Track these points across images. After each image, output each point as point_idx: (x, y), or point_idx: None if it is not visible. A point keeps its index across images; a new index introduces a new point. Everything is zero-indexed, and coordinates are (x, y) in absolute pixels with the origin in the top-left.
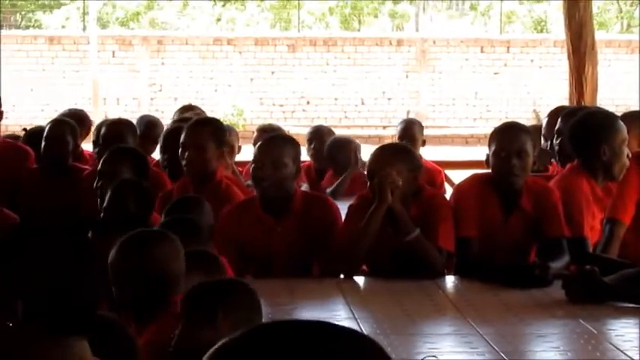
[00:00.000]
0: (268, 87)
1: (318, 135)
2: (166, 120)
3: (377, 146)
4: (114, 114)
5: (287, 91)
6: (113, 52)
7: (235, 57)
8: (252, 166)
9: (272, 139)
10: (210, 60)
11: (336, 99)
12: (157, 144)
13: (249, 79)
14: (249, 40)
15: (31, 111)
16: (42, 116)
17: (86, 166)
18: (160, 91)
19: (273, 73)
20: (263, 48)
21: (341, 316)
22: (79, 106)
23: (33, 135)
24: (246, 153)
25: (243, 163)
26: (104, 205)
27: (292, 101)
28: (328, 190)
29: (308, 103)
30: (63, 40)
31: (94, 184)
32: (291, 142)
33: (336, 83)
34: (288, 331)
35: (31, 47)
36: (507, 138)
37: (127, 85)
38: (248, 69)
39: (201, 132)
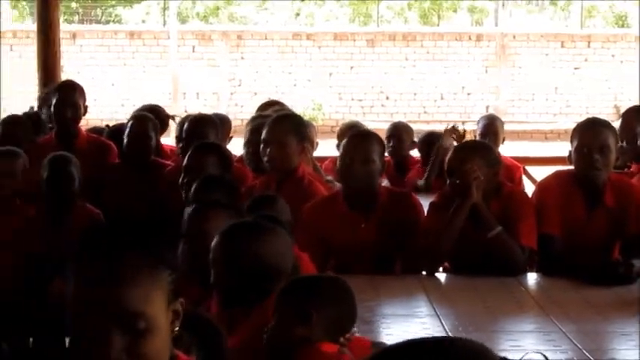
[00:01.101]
0: (347, 82)
1: (397, 131)
2: (245, 115)
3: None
4: (193, 109)
5: (366, 86)
6: (193, 47)
7: (314, 52)
8: (341, 161)
9: (359, 136)
10: (289, 55)
11: (414, 94)
12: (226, 140)
13: (327, 73)
14: (328, 35)
15: (111, 106)
16: (122, 111)
17: (168, 162)
18: (239, 85)
19: (352, 67)
20: (342, 43)
21: (423, 312)
22: (158, 101)
23: (115, 130)
24: (325, 148)
25: (322, 159)
26: (191, 198)
27: (371, 96)
28: (420, 182)
29: (387, 98)
30: (143, 35)
31: (180, 180)
32: (377, 139)
33: (415, 78)
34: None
35: (112, 42)
36: (590, 134)
37: (207, 80)
38: (327, 64)
39: (282, 128)
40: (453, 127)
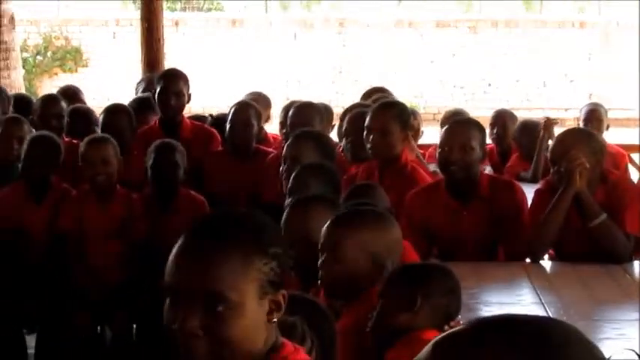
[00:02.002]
0: (449, 69)
1: (501, 119)
2: (347, 102)
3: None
4: (295, 96)
5: (468, 73)
6: (295, 35)
7: (416, 39)
8: (439, 149)
9: (459, 123)
10: (390, 42)
11: (517, 81)
12: (329, 128)
13: (429, 61)
14: (430, 23)
15: (214, 93)
16: (225, 99)
17: (270, 149)
18: (341, 73)
19: (453, 55)
20: (444, 30)
21: (527, 300)
22: (261, 89)
23: (219, 118)
24: (427, 136)
25: (424, 147)
26: (288, 186)
27: (473, 83)
28: (525, 174)
29: (489, 85)
30: (245, 22)
31: (280, 169)
32: (477, 126)
33: (517, 65)
34: (514, 327)
35: (214, 30)
36: None
37: (309, 68)
38: (429, 51)
39: (386, 116)
40: (549, 119)
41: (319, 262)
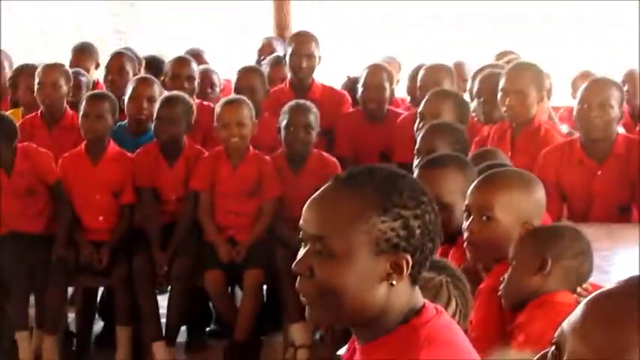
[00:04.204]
0: None
1: (632, 77)
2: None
3: None
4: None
5: None
6: None
7: None
8: (577, 108)
9: (599, 81)
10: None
11: None
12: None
13: None
14: None
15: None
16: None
17: (402, 111)
18: None
19: None
20: None
21: None
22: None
23: (353, 81)
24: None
25: (555, 108)
26: (416, 146)
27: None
28: None
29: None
30: None
31: (415, 126)
32: (615, 85)
33: None
34: None
35: None
36: None
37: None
38: None
39: (522, 78)
40: None
41: (466, 224)
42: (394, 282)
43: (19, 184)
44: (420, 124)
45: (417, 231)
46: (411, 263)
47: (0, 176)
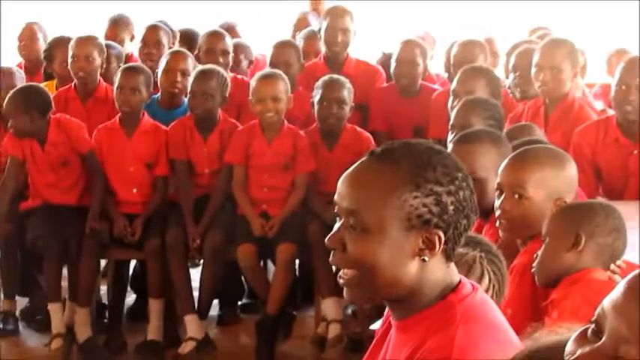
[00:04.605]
0: None
1: None
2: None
3: None
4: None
5: None
6: None
7: None
8: (615, 87)
9: (635, 61)
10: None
11: None
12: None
13: None
14: None
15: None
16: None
17: (436, 86)
18: None
19: None
20: None
21: None
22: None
23: (387, 57)
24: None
25: (589, 85)
26: (451, 122)
27: None
28: None
29: None
30: None
31: (449, 104)
32: None
33: None
34: None
35: None
36: None
37: None
38: None
39: (557, 53)
40: None
41: (498, 202)
42: (426, 258)
43: (53, 156)
44: (454, 102)
45: (450, 207)
46: (443, 239)
47: (34, 148)
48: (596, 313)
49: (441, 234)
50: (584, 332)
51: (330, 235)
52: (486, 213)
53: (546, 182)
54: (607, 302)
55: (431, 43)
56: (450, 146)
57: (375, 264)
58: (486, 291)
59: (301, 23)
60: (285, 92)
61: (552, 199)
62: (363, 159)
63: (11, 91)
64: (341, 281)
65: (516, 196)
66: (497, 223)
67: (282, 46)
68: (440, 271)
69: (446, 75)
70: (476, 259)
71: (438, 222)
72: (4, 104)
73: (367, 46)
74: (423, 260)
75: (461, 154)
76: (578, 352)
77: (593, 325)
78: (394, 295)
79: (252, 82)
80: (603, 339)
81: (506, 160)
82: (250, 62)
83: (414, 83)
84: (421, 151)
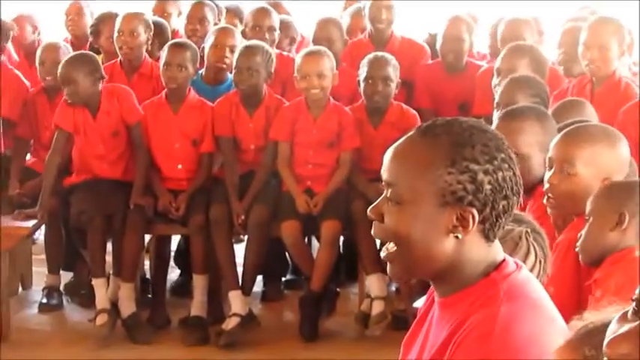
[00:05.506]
0: None
1: None
2: None
3: None
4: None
5: None
6: None
7: None
8: None
9: None
10: None
11: None
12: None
13: None
14: None
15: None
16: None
17: (481, 63)
18: None
19: None
20: None
21: None
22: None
23: (433, 37)
24: None
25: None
26: (496, 100)
27: None
28: None
29: None
30: None
31: (492, 82)
32: None
33: None
34: None
35: None
36: None
37: None
38: None
39: (604, 32)
40: None
41: (548, 176)
42: (460, 235)
43: (105, 125)
44: (497, 80)
45: (487, 187)
46: (477, 218)
47: (85, 118)
48: (637, 292)
49: (475, 212)
50: (626, 312)
51: (371, 206)
52: (529, 189)
53: (596, 160)
54: None
55: (475, 19)
56: (494, 122)
57: (408, 237)
58: (532, 267)
59: (351, 2)
60: (330, 69)
61: (600, 177)
62: (408, 134)
63: (67, 57)
64: (383, 255)
65: (565, 171)
66: (545, 198)
67: (324, 23)
68: (479, 249)
69: (488, 52)
70: (522, 235)
71: (473, 200)
72: (60, 71)
73: (413, 27)
74: (457, 237)
75: (504, 130)
76: (620, 331)
77: (634, 304)
78: (432, 272)
79: (297, 59)
80: None
81: (559, 135)
82: (293, 39)
83: (460, 59)
84: (463, 129)
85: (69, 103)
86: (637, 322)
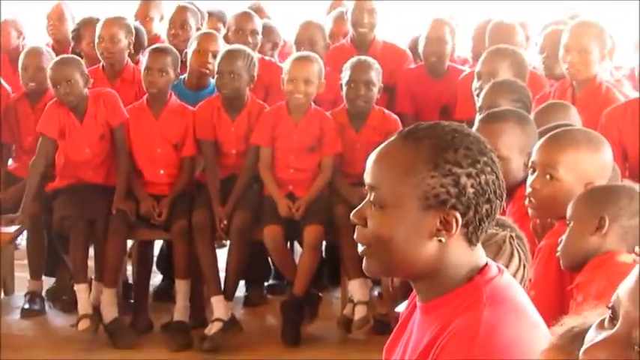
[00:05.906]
0: None
1: None
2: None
3: None
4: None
5: None
6: None
7: None
8: None
9: None
10: None
11: None
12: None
13: None
14: None
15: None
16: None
17: (463, 67)
18: None
19: None
20: None
21: None
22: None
23: (415, 41)
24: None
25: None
26: (478, 104)
27: None
28: None
29: None
30: None
31: (473, 85)
32: None
33: None
34: None
35: None
36: None
37: None
38: None
39: (584, 35)
40: None
41: (531, 180)
42: (443, 239)
43: (93, 128)
44: (478, 84)
45: (470, 190)
46: (461, 222)
47: (72, 122)
48: (612, 300)
49: (458, 216)
50: (604, 320)
51: (355, 210)
52: (509, 192)
53: (579, 165)
54: (621, 289)
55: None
56: (475, 125)
57: (391, 240)
58: (516, 272)
59: (335, 6)
60: (317, 77)
61: (583, 182)
62: (392, 138)
63: (58, 58)
64: (360, 250)
65: (547, 176)
66: (527, 201)
67: (306, 25)
68: (462, 253)
69: (471, 56)
70: (506, 239)
71: (456, 203)
72: (52, 72)
73: (396, 31)
74: (440, 241)
75: (485, 132)
76: (597, 339)
77: (610, 312)
78: (412, 274)
79: (287, 62)
80: (617, 325)
81: (542, 139)
82: (275, 44)
83: (443, 62)
84: (446, 132)
85: (61, 103)
86: (613, 330)
